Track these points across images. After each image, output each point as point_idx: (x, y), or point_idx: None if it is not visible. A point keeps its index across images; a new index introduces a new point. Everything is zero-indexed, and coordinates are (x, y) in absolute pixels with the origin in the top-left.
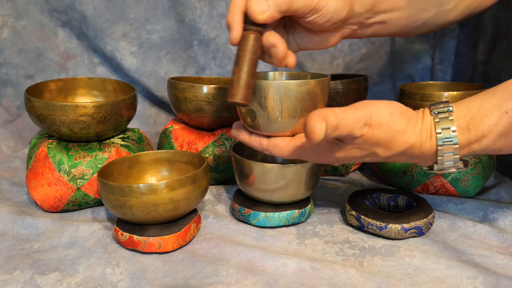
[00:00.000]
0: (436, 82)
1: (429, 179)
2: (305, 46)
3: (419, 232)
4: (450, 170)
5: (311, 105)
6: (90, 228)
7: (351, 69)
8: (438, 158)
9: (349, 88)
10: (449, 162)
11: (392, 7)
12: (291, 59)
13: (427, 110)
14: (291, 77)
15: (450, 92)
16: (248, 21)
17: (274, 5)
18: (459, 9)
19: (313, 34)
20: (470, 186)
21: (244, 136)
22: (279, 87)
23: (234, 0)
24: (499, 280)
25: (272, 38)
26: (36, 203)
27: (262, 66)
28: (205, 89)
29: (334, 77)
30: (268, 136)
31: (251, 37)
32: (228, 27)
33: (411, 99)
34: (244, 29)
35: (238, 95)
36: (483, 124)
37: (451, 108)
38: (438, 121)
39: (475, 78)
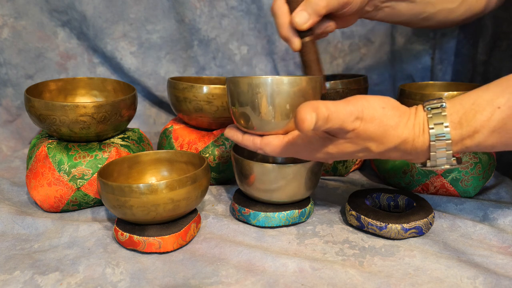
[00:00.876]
0: (436, 82)
1: (429, 179)
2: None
3: (419, 232)
4: (443, 167)
5: None
6: (90, 228)
7: (351, 69)
8: (431, 154)
9: (349, 88)
10: (441, 158)
11: None
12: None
13: (420, 106)
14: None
15: (450, 92)
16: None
17: (314, 13)
18: (461, 10)
19: (337, 18)
20: (470, 186)
21: (237, 136)
22: (272, 83)
23: (279, 16)
24: (499, 280)
25: (324, 26)
26: (36, 203)
27: (263, 66)
28: (205, 89)
29: (334, 77)
30: (262, 135)
31: (308, 42)
32: (285, 41)
33: (411, 99)
34: (300, 37)
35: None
36: (475, 119)
37: (444, 104)
38: (431, 117)
39: (475, 78)
